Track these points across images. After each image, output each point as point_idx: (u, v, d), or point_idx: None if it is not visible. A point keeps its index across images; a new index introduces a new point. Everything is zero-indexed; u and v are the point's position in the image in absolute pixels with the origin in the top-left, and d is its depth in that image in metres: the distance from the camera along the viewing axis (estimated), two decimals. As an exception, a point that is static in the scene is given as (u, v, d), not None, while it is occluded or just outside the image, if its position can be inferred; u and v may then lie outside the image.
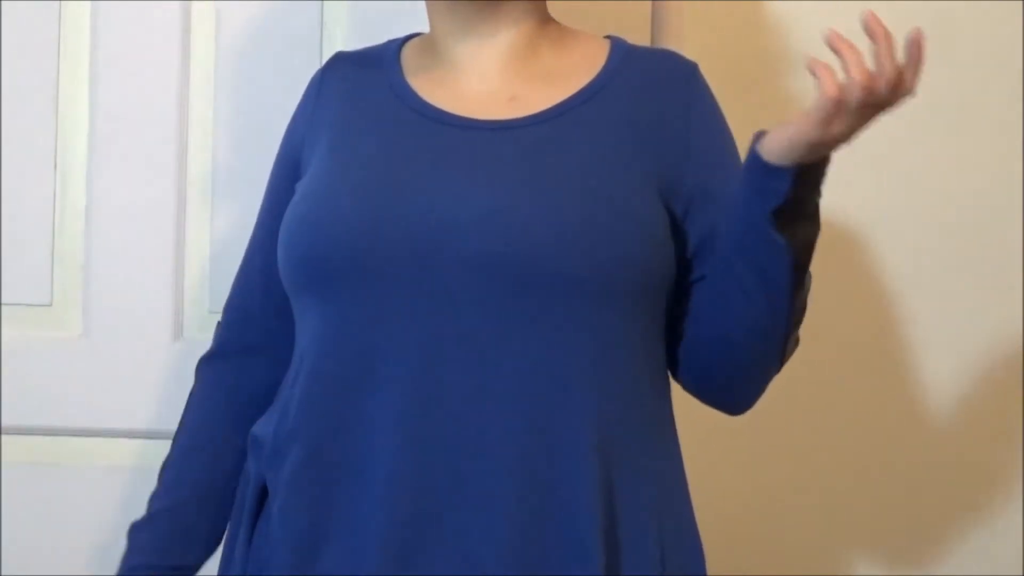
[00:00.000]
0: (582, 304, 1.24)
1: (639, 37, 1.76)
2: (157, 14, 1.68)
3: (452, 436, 1.22)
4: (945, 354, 1.86)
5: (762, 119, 1.83)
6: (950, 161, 1.85)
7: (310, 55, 1.66)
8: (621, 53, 1.36)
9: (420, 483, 1.22)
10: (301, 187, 1.33)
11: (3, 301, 1.68)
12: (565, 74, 1.34)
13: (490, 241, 1.22)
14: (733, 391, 1.35)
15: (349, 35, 1.67)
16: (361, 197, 1.26)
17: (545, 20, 1.37)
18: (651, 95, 1.34)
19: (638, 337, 1.29)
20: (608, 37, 1.39)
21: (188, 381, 1.52)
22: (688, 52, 1.82)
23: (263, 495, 1.32)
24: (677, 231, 1.31)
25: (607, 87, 1.33)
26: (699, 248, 1.32)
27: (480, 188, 1.24)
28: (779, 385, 1.79)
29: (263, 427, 1.33)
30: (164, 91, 1.68)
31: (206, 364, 1.44)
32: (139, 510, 1.67)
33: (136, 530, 1.39)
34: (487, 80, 1.33)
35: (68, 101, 1.69)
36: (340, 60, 1.43)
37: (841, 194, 1.84)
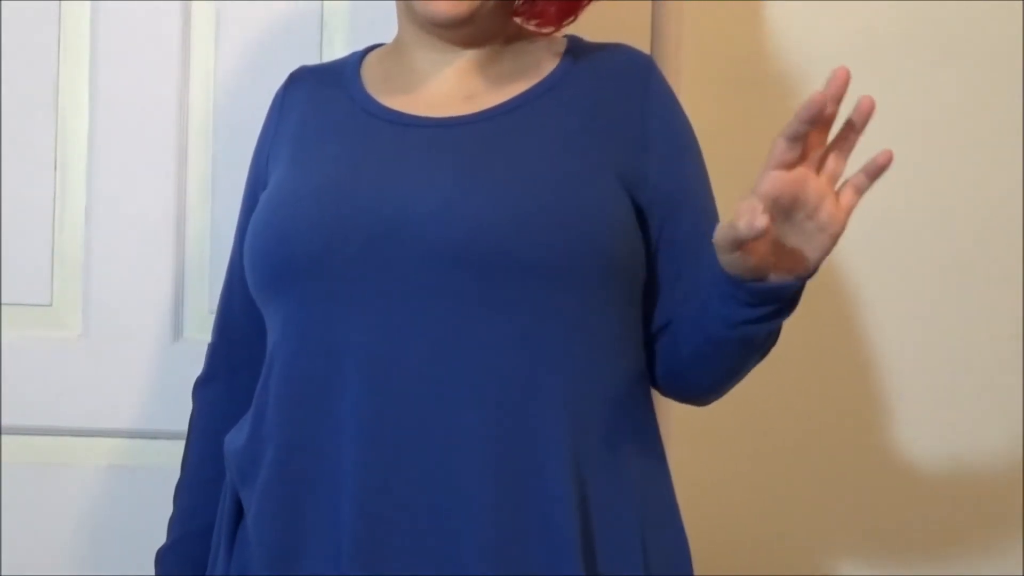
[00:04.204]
0: (542, 290, 1.23)
1: (639, 37, 1.76)
2: (157, 14, 1.68)
3: (419, 432, 1.21)
4: (946, 353, 1.86)
5: (762, 120, 1.83)
6: (950, 162, 1.85)
7: (310, 55, 1.66)
8: (575, 49, 1.37)
9: (389, 482, 1.21)
10: (262, 197, 1.34)
11: (3, 301, 1.68)
12: (522, 73, 1.35)
13: (445, 232, 1.21)
14: (709, 394, 1.36)
15: (349, 35, 1.67)
16: (317, 199, 1.27)
17: (512, 33, 1.39)
18: (605, 86, 1.34)
19: (608, 326, 1.28)
20: (566, 36, 1.40)
21: (188, 381, 1.52)
22: (688, 52, 1.83)
23: (240, 503, 1.32)
24: (642, 223, 1.31)
25: (561, 81, 1.34)
26: (660, 249, 1.32)
27: (434, 181, 1.24)
28: (773, 384, 1.80)
29: (234, 438, 1.33)
30: (164, 91, 1.68)
31: (200, 389, 1.46)
32: (139, 510, 1.68)
33: (163, 556, 1.42)
34: (446, 84, 1.34)
35: (68, 101, 1.69)
36: (301, 75, 1.46)
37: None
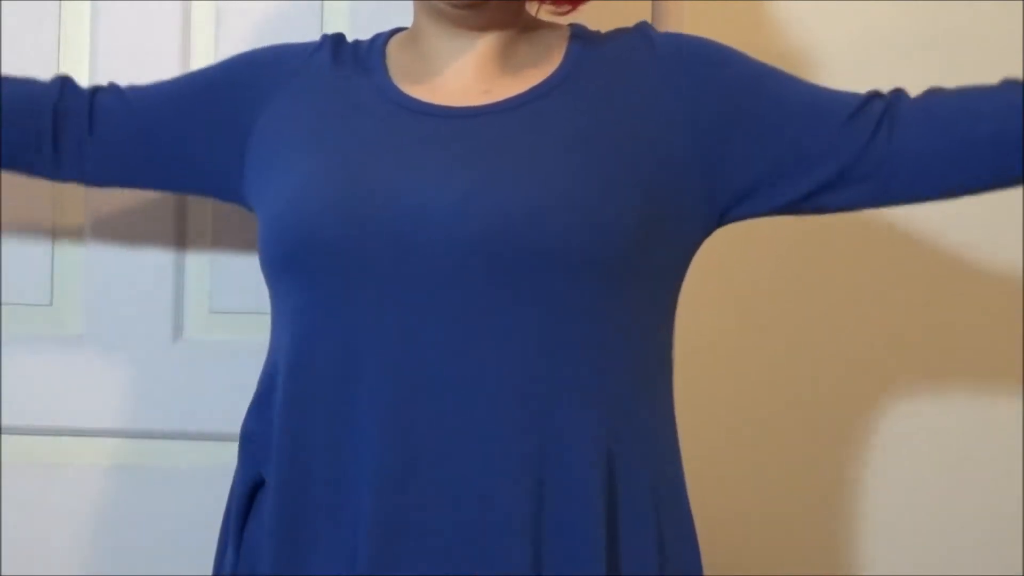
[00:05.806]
0: (561, 282, 1.22)
1: (639, 37, 1.76)
2: (157, 14, 1.68)
3: (439, 426, 1.21)
4: (946, 353, 1.86)
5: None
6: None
7: (310, 55, 1.66)
8: (581, 37, 1.37)
9: (407, 476, 1.21)
10: (281, 181, 1.32)
11: (3, 301, 1.68)
12: (534, 64, 1.34)
13: (464, 225, 1.21)
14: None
15: (349, 35, 1.67)
16: (338, 188, 1.26)
17: (525, 21, 1.38)
18: (618, 74, 1.33)
19: (630, 315, 1.27)
20: (569, 24, 1.40)
21: (188, 381, 1.52)
22: (688, 52, 1.82)
23: (251, 496, 1.31)
24: (733, 184, 1.30)
25: (575, 70, 1.33)
26: (771, 140, 1.31)
27: (455, 172, 1.24)
28: (779, 383, 1.80)
29: (253, 422, 1.33)
30: (164, 91, 1.68)
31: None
32: (139, 510, 1.68)
33: None
34: (463, 76, 1.34)
35: (68, 101, 1.69)
36: (339, 43, 1.44)
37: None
